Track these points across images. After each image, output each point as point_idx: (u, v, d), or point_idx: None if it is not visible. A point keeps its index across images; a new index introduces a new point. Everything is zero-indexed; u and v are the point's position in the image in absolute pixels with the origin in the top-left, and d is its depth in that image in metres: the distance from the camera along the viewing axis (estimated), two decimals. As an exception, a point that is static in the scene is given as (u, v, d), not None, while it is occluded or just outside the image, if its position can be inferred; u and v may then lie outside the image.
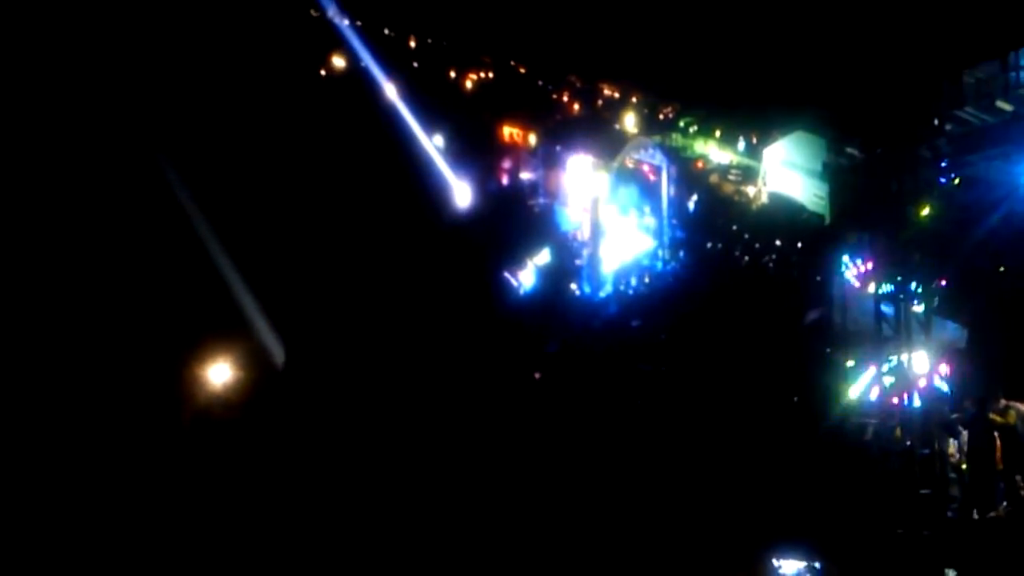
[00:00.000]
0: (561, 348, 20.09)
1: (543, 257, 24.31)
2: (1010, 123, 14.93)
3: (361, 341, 16.20)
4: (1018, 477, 12.72)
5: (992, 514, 12.90)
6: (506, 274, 23.44)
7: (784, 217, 22.03)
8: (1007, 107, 15.07)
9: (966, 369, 14.66)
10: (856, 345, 15.82)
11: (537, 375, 18.88)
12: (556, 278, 23.91)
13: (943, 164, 15.46)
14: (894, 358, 14.68)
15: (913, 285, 14.73)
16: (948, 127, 15.29)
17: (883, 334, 14.86)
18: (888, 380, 15.08)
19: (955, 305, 15.68)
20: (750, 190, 24.65)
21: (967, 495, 13.26)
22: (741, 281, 22.71)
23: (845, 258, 16.47)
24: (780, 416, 16.51)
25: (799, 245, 22.17)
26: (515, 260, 23.76)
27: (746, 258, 23.84)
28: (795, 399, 17.20)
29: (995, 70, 15.01)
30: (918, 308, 14.76)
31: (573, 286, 24.40)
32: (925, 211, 15.52)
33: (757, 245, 23.88)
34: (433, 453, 14.14)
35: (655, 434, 16.31)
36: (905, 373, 14.36)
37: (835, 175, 17.68)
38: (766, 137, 24.54)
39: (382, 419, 14.64)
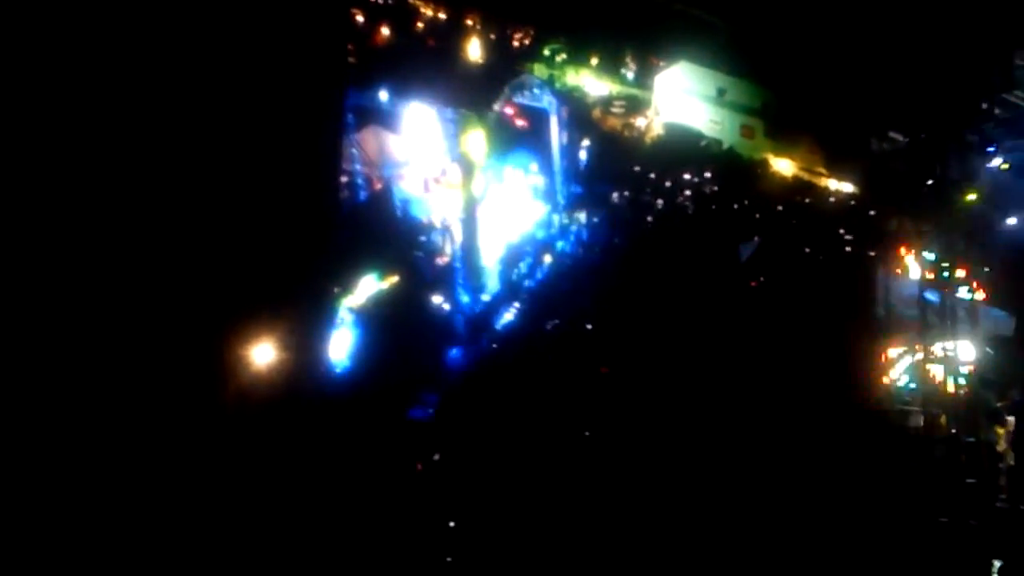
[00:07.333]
0: (441, 403, 13.94)
1: (364, 288, 15.10)
2: (1061, 108, 14.72)
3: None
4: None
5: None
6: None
7: (684, 147, 20.44)
8: (1058, 91, 14.84)
9: (1014, 357, 14.48)
10: (900, 332, 15.63)
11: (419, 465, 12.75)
12: (408, 299, 15.62)
13: (990, 149, 15.27)
14: (939, 345, 14.52)
15: (959, 272, 14.58)
16: (996, 111, 15.09)
17: (928, 321, 14.68)
18: (933, 368, 14.92)
19: (1002, 292, 15.50)
20: (640, 122, 22.29)
21: (1014, 485, 13.10)
22: (662, 231, 18.93)
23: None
24: (801, 402, 15.42)
25: (708, 175, 20.25)
26: (311, 303, 12.25)
27: (659, 201, 19.91)
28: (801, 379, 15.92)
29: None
30: (964, 295, 14.60)
31: (439, 300, 16.26)
32: (971, 197, 15.35)
33: (668, 184, 20.15)
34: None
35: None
36: (951, 361, 14.20)
37: (877, 159, 17.48)
38: (647, 65, 22.36)
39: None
